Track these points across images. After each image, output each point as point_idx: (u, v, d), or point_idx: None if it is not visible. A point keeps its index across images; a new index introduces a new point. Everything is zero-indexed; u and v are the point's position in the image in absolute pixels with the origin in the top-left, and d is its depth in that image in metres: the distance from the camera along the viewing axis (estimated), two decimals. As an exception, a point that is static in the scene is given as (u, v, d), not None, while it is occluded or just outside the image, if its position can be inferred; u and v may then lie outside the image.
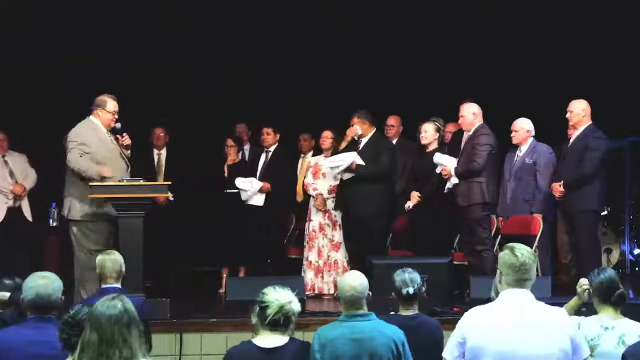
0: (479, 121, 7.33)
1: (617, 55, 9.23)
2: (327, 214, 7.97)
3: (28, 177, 8.40)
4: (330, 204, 7.99)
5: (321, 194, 8.01)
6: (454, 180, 7.31)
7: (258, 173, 8.28)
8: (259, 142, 8.55)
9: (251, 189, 8.10)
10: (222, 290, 7.99)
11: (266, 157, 8.38)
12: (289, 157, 8.52)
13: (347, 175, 7.72)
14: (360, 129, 7.79)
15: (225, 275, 8.13)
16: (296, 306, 3.86)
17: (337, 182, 7.94)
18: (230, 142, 8.49)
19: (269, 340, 3.83)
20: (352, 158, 7.64)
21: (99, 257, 5.12)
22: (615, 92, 9.01)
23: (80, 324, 3.45)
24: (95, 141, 6.60)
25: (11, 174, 8.34)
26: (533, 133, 7.66)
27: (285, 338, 3.85)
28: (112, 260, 5.05)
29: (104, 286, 5.00)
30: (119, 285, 5.02)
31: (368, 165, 7.64)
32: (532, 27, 9.41)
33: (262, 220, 8.15)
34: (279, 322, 3.81)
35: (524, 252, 3.65)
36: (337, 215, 7.96)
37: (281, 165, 8.31)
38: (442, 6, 9.48)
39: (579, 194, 7.22)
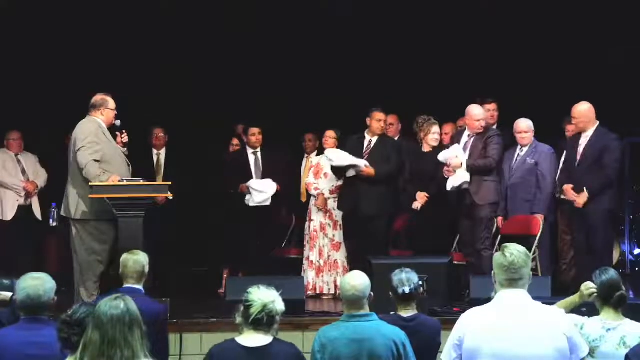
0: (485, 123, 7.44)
1: (617, 55, 9.23)
2: (328, 214, 7.99)
3: (39, 176, 8.46)
4: (331, 204, 8.00)
5: (322, 194, 8.02)
6: (461, 179, 7.29)
7: (254, 174, 8.20)
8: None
9: (269, 193, 8.07)
10: (222, 290, 8.00)
11: (256, 158, 8.29)
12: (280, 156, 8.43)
13: (350, 173, 7.75)
14: (379, 127, 7.80)
15: (225, 276, 8.14)
16: (279, 306, 3.84)
17: (340, 183, 7.95)
18: (236, 141, 8.53)
19: (252, 339, 3.82)
20: (362, 163, 7.68)
21: (123, 256, 5.03)
22: (616, 92, 9.01)
23: (79, 324, 3.46)
24: (103, 139, 6.61)
25: (23, 172, 8.41)
26: (532, 134, 7.70)
27: (269, 338, 3.83)
28: (135, 260, 4.96)
29: (124, 286, 4.91)
30: (139, 287, 4.94)
31: (382, 166, 7.67)
32: (533, 26, 9.41)
33: (263, 221, 8.13)
34: (262, 321, 3.80)
35: (514, 252, 3.64)
36: (338, 215, 7.98)
37: (282, 165, 8.28)
38: (443, 6, 9.47)
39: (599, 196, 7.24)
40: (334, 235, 7.97)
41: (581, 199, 7.15)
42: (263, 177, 8.16)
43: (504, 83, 9.13)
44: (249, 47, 9.68)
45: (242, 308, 3.85)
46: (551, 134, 8.05)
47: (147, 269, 5.01)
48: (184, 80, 9.57)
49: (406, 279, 4.72)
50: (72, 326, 3.49)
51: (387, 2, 9.59)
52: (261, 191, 8.07)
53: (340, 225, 7.97)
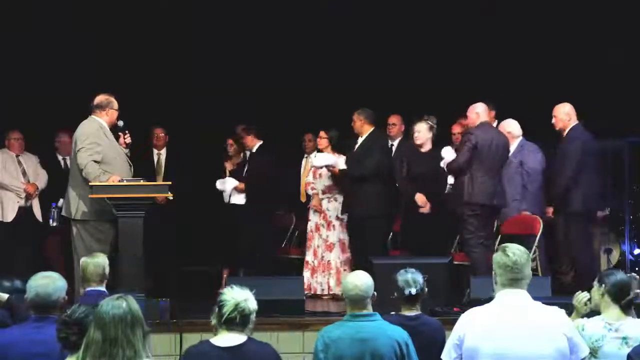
0: (481, 120, 7.31)
1: (617, 55, 9.23)
2: (322, 214, 7.96)
3: (39, 177, 8.42)
4: (325, 204, 7.97)
5: (317, 194, 8.01)
6: (450, 180, 7.34)
7: (244, 174, 8.30)
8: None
9: (227, 190, 8.14)
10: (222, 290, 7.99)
11: (245, 157, 8.42)
12: (269, 156, 8.33)
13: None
14: (358, 127, 7.80)
15: (225, 275, 8.15)
16: (252, 304, 3.81)
17: (331, 183, 7.94)
18: (231, 141, 8.56)
19: (226, 339, 3.79)
20: (337, 163, 7.76)
21: (82, 260, 5.14)
22: (616, 92, 9.01)
23: (78, 324, 3.47)
24: (104, 140, 6.61)
25: (24, 173, 8.38)
26: (518, 134, 7.67)
27: (243, 337, 3.80)
28: (95, 263, 5.05)
29: (87, 289, 5.02)
30: (102, 288, 5.02)
31: (353, 167, 7.68)
32: (533, 26, 9.41)
33: (243, 221, 8.11)
34: (235, 320, 3.78)
35: (515, 251, 3.66)
36: (332, 216, 7.93)
37: (259, 165, 8.22)
38: (443, 6, 9.47)
39: (566, 197, 7.31)
40: (327, 236, 7.93)
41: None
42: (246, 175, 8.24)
43: (504, 83, 9.13)
44: (249, 47, 9.68)
45: (216, 309, 3.84)
46: (552, 134, 8.03)
47: (107, 271, 5.10)
48: (184, 80, 9.57)
49: (412, 280, 4.72)
50: (70, 326, 3.50)
51: (387, 2, 9.59)
52: (223, 190, 8.20)
53: (333, 225, 7.93)
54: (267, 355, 3.86)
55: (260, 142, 8.29)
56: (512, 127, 7.70)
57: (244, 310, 3.78)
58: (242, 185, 8.17)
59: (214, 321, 3.85)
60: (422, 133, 7.59)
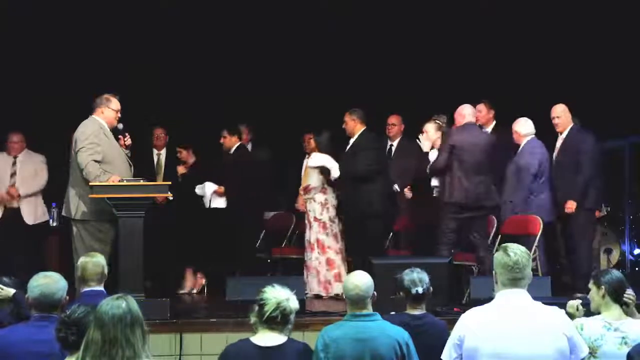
0: (466, 121, 7.29)
1: (617, 54, 9.24)
2: (306, 215, 7.94)
3: (37, 178, 8.36)
4: (308, 205, 7.93)
5: (301, 195, 8.00)
6: (434, 182, 7.36)
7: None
8: (260, 142, 8.55)
9: (207, 194, 8.14)
10: (183, 291, 8.07)
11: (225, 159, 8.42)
12: (245, 157, 8.34)
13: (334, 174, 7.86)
14: (350, 127, 7.78)
15: (188, 275, 8.14)
16: (294, 304, 3.86)
17: (310, 183, 7.90)
18: (180, 149, 8.56)
19: (266, 338, 3.83)
20: (331, 165, 7.74)
21: (81, 260, 5.06)
22: (616, 92, 9.02)
23: (76, 324, 3.48)
24: (104, 140, 6.60)
25: (13, 175, 8.32)
26: (525, 133, 7.66)
27: (284, 337, 3.85)
28: (94, 262, 4.98)
29: (85, 289, 4.93)
30: (101, 288, 4.96)
31: (345, 167, 7.68)
32: (533, 26, 9.42)
33: (226, 222, 8.09)
34: (277, 319, 3.81)
35: (517, 251, 3.67)
36: (311, 216, 7.86)
37: (239, 167, 8.20)
38: (443, 6, 9.48)
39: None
40: (309, 237, 7.89)
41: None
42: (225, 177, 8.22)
43: (504, 83, 9.14)
44: (250, 47, 9.69)
45: (256, 307, 3.86)
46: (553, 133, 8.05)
47: (106, 270, 5.02)
48: (185, 80, 9.57)
49: (418, 279, 4.75)
50: (69, 326, 3.51)
51: (389, 2, 9.59)
52: (202, 195, 8.22)
53: (311, 226, 7.85)
54: (305, 354, 3.91)
55: (239, 143, 8.28)
56: (520, 127, 7.67)
57: (286, 310, 3.82)
58: (222, 189, 8.15)
59: (253, 319, 3.87)
60: (430, 133, 7.59)
